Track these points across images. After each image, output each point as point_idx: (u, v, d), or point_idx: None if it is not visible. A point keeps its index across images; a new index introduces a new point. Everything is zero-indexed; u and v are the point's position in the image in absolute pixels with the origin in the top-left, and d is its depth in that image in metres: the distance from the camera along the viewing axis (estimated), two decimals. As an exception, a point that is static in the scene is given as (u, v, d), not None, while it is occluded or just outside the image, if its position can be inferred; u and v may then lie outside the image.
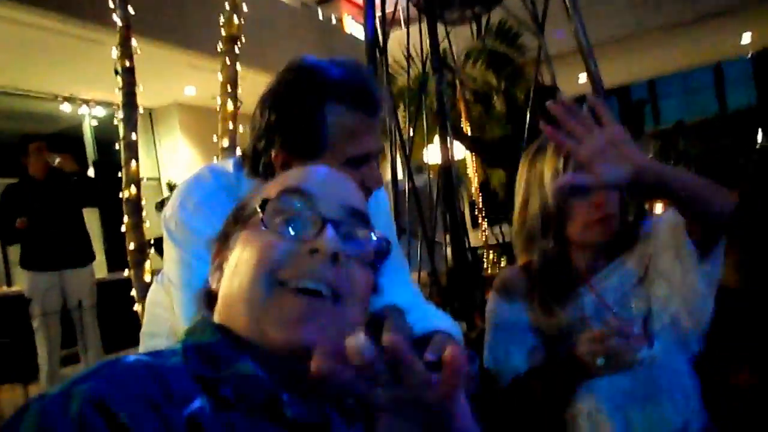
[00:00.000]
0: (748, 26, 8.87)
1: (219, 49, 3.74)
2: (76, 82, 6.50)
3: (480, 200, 6.40)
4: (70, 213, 4.21)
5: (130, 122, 3.32)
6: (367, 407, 0.48)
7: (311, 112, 0.97)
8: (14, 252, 4.25)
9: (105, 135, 7.20)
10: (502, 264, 5.62)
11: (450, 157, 3.16)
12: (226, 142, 3.63)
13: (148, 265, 3.31)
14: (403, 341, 0.46)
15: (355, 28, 10.60)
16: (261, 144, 1.01)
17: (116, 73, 3.29)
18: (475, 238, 5.45)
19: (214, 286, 0.66)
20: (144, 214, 3.37)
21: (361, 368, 0.45)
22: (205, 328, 0.61)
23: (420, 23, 3.27)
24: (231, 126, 3.65)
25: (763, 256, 1.34)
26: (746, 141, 8.47)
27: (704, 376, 1.15)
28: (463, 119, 6.17)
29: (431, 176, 4.26)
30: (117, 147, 3.49)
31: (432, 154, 4.48)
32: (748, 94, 10.99)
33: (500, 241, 5.53)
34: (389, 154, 3.52)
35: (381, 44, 3.21)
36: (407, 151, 3.44)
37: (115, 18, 3.33)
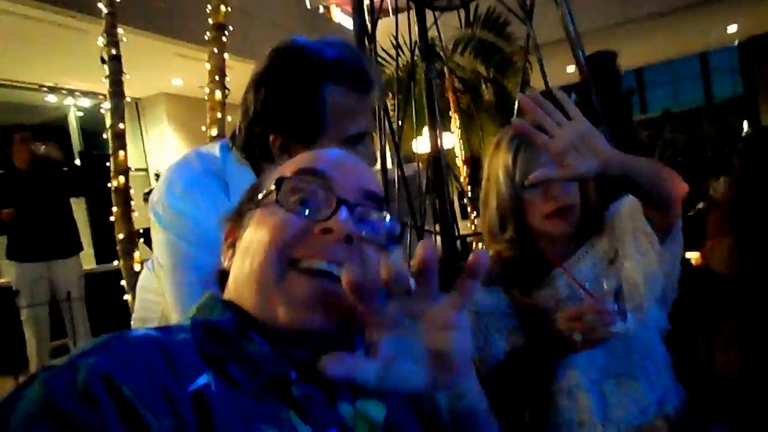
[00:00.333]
0: (734, 16, 8.92)
1: (207, 38, 3.71)
2: (61, 72, 6.40)
3: (469, 189, 6.41)
4: (56, 203, 4.18)
5: (118, 111, 3.30)
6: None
7: (309, 94, 0.97)
8: (0, 243, 4.20)
9: (90, 125, 7.13)
10: (491, 253, 5.63)
11: (439, 146, 3.16)
12: (214, 131, 3.62)
13: (137, 255, 3.30)
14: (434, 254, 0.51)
15: (342, 18, 10.52)
16: (256, 128, 1.00)
17: (103, 61, 3.26)
18: (465, 228, 5.46)
19: (225, 264, 0.66)
20: (132, 204, 3.36)
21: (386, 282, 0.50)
22: (215, 306, 0.61)
23: (408, 11, 3.25)
24: (219, 115, 3.63)
25: (756, 240, 1.36)
26: (732, 130, 8.57)
27: (682, 355, 1.19)
28: (452, 109, 6.15)
29: (420, 166, 4.26)
30: (103, 138, 3.47)
31: (421, 144, 4.48)
32: (734, 84, 11.07)
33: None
34: (379, 143, 3.51)
35: (369, 32, 3.20)
36: (396, 139, 3.43)
37: (100, 5, 3.30)
